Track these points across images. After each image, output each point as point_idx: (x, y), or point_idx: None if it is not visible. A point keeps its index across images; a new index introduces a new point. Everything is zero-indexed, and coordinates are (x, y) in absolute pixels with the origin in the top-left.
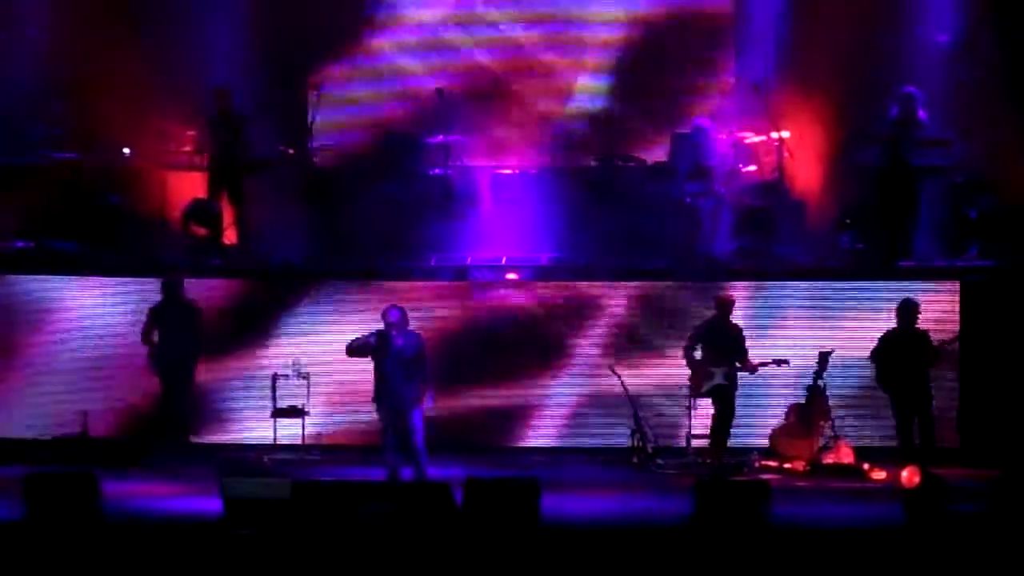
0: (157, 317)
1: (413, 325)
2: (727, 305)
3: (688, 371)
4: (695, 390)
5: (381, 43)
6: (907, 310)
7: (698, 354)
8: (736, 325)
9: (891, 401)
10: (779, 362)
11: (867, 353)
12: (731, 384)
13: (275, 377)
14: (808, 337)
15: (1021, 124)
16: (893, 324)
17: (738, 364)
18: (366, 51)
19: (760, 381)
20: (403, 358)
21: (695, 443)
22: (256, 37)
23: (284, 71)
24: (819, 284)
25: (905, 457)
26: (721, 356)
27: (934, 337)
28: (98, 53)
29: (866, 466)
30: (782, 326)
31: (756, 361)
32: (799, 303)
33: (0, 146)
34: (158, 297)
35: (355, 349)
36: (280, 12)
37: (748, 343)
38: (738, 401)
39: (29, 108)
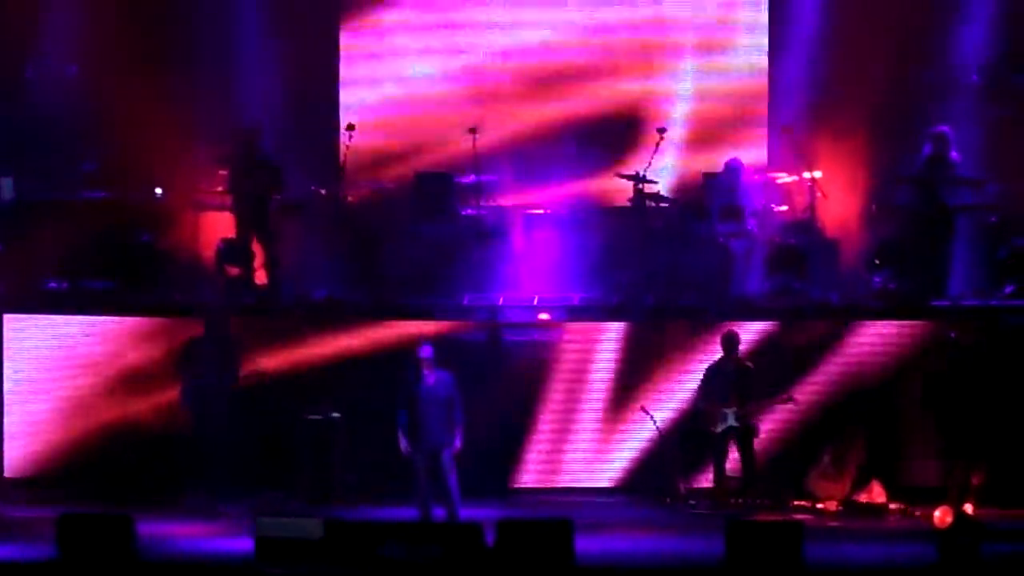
0: (194, 350)
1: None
2: (729, 342)
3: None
4: (711, 431)
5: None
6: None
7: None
8: (744, 364)
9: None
10: (787, 399)
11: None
12: (744, 425)
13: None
14: (841, 376)
15: None
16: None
17: (749, 403)
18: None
19: (791, 420)
20: (436, 397)
21: (726, 483)
22: (288, 77)
23: (316, 110)
24: (852, 323)
25: (942, 498)
26: (730, 396)
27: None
28: (131, 92)
29: (898, 505)
30: (814, 365)
31: (765, 401)
32: (831, 342)
33: (35, 183)
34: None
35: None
36: (312, 52)
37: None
38: (772, 441)
39: (63, 146)
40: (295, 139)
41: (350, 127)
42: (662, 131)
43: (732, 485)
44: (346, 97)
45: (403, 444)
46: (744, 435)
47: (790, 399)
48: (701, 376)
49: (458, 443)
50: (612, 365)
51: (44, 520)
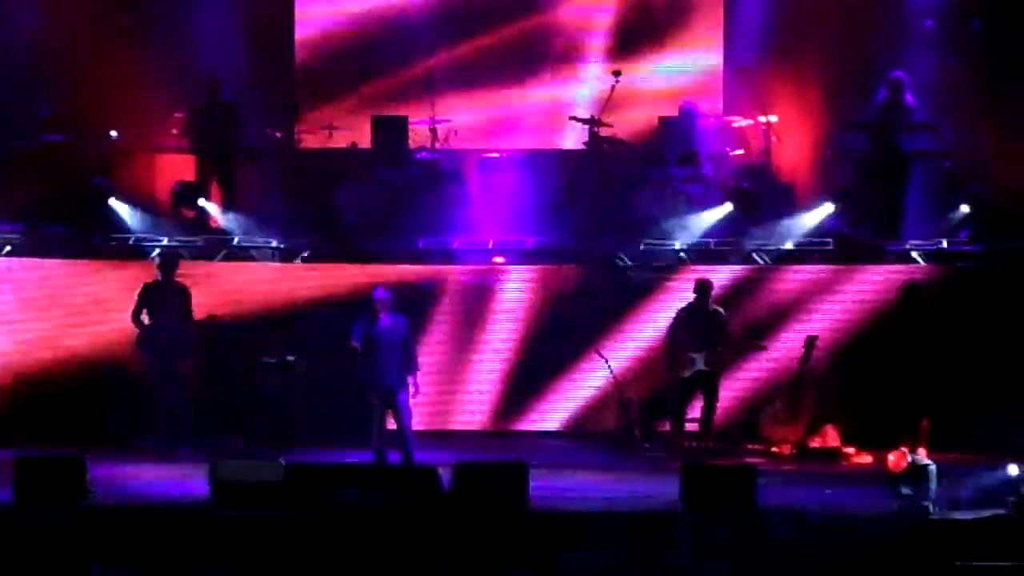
0: (149, 296)
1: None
2: (704, 288)
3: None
4: (676, 374)
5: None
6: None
7: (682, 337)
8: (717, 310)
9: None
10: (757, 346)
11: (853, 337)
12: (713, 370)
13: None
14: (795, 322)
15: (1006, 109)
16: (879, 308)
17: (720, 349)
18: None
19: (747, 366)
20: (391, 340)
21: (684, 427)
22: (243, 20)
23: (271, 53)
24: (807, 268)
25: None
26: (700, 341)
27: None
28: (86, 36)
29: (852, 450)
30: (770, 311)
31: (734, 347)
32: (786, 288)
33: None
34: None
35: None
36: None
37: (737, 329)
38: (727, 385)
39: (19, 92)
40: (250, 83)
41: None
42: (617, 74)
43: (688, 429)
44: (301, 35)
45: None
46: (710, 380)
47: (761, 346)
48: (672, 319)
49: (415, 389)
50: (566, 308)
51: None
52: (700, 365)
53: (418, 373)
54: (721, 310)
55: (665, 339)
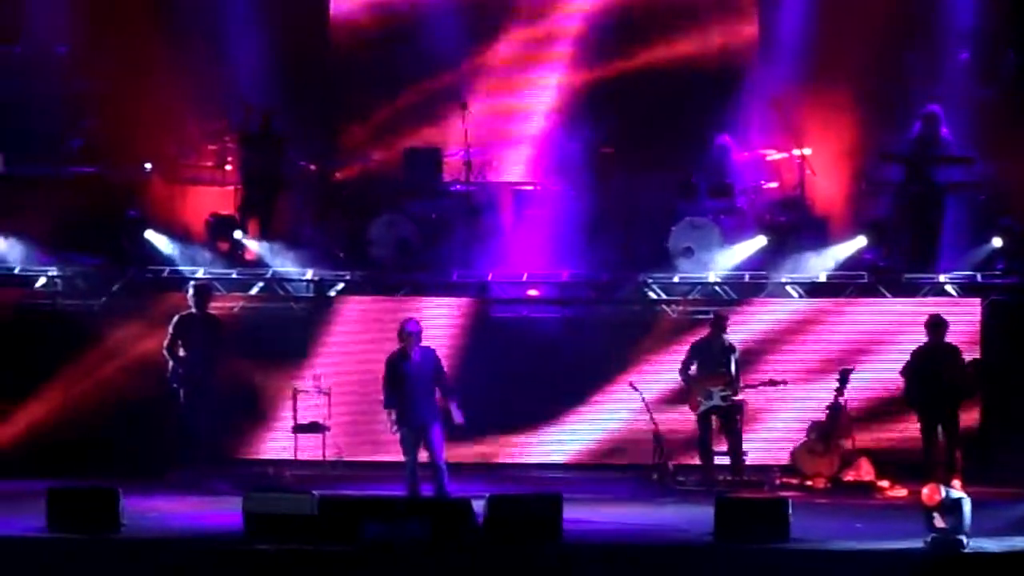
0: (183, 328)
1: (432, 342)
2: (719, 322)
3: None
4: (694, 410)
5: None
6: (936, 325)
7: (694, 371)
8: (729, 345)
9: (918, 417)
10: (774, 382)
11: (888, 370)
12: (729, 404)
13: (296, 392)
14: (829, 354)
15: None
16: (915, 340)
17: (729, 388)
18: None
19: (781, 398)
20: (422, 373)
21: (717, 460)
22: (278, 51)
23: (307, 84)
24: (840, 300)
25: (928, 474)
26: (715, 376)
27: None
28: (120, 67)
29: (886, 483)
30: (804, 343)
31: (751, 382)
32: (821, 320)
33: (26, 158)
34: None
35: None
36: (305, 30)
37: (766, 362)
38: (759, 418)
39: (52, 122)
40: (285, 115)
41: None
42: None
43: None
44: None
45: (391, 422)
46: (728, 414)
47: (782, 383)
48: (686, 355)
49: (458, 416)
50: (602, 341)
51: (35, 493)
52: (716, 400)
53: (458, 398)
54: (735, 344)
55: (680, 373)
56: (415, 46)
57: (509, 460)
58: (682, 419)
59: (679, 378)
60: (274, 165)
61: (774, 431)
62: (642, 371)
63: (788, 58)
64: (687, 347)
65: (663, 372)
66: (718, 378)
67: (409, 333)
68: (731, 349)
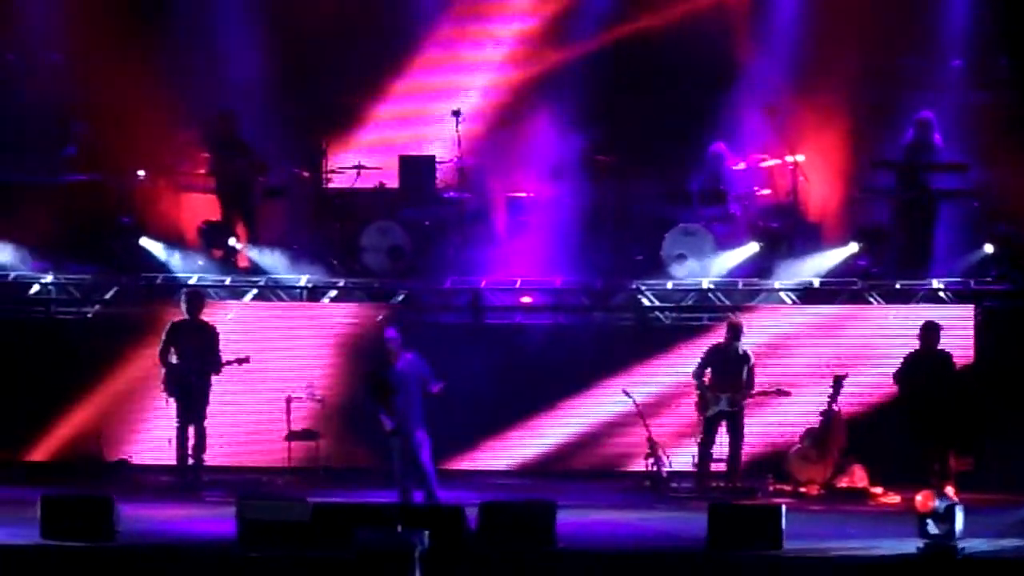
0: (176, 335)
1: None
2: (735, 329)
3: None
4: (701, 414)
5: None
6: (929, 332)
7: (707, 378)
8: (744, 352)
9: (911, 424)
10: (781, 392)
11: (881, 376)
12: (737, 410)
13: (289, 400)
14: (822, 361)
15: None
16: (908, 346)
17: (744, 391)
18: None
19: (774, 405)
20: (405, 380)
21: (710, 467)
22: (273, 61)
23: (299, 95)
24: (834, 307)
25: (922, 481)
26: (726, 381)
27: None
28: (112, 75)
29: (879, 490)
30: (797, 349)
31: (757, 390)
32: (813, 327)
33: (19, 166)
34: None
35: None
36: (296, 37)
37: (759, 367)
38: (755, 424)
39: (45, 130)
40: (277, 122)
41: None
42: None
43: (714, 469)
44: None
45: (386, 422)
46: (733, 420)
47: (784, 392)
48: (700, 361)
49: (435, 387)
50: (595, 348)
51: (26, 502)
52: (724, 406)
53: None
54: (750, 352)
55: (693, 377)
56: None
57: (500, 467)
58: (675, 426)
59: (689, 380)
60: (243, 171)
61: (766, 436)
62: (635, 378)
63: (781, 65)
64: (702, 352)
65: (656, 378)
66: (729, 384)
67: (388, 340)
68: (746, 357)
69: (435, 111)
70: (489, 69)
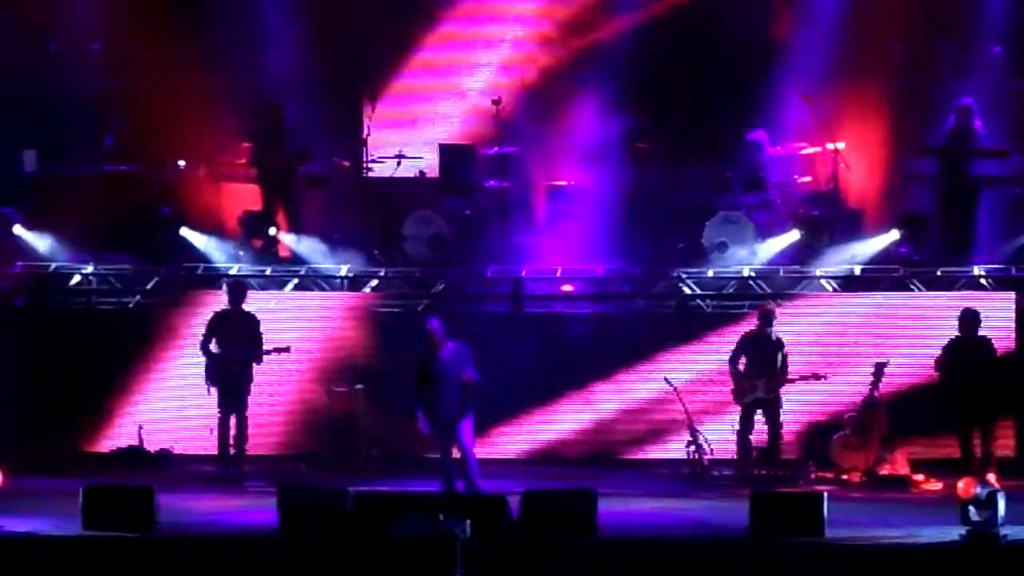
0: (218, 324)
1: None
2: (767, 316)
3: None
4: (738, 401)
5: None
6: (969, 319)
7: (742, 365)
8: (777, 339)
9: (952, 411)
10: (816, 376)
11: (923, 363)
12: (773, 397)
13: (331, 392)
14: (864, 348)
15: None
16: (950, 334)
17: (780, 377)
18: (422, 62)
19: (816, 392)
20: (450, 369)
21: (751, 454)
22: (313, 50)
23: (341, 84)
24: (876, 294)
25: (964, 468)
26: (761, 368)
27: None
28: (153, 65)
29: (921, 477)
30: (839, 337)
31: (793, 375)
32: (855, 314)
33: (60, 156)
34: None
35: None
36: (339, 27)
37: (801, 354)
38: (795, 411)
39: (86, 120)
40: (318, 111)
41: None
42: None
43: (755, 456)
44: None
45: (422, 423)
46: (770, 407)
47: (820, 377)
48: (735, 348)
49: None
50: (638, 336)
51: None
52: (760, 393)
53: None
54: (783, 339)
55: (729, 365)
56: None
57: (539, 455)
58: (715, 413)
59: (727, 368)
60: (285, 161)
61: (811, 424)
62: (676, 366)
63: (821, 52)
64: (737, 339)
65: (697, 366)
66: (764, 371)
67: (432, 330)
68: (779, 344)
69: (473, 98)
70: (527, 54)
